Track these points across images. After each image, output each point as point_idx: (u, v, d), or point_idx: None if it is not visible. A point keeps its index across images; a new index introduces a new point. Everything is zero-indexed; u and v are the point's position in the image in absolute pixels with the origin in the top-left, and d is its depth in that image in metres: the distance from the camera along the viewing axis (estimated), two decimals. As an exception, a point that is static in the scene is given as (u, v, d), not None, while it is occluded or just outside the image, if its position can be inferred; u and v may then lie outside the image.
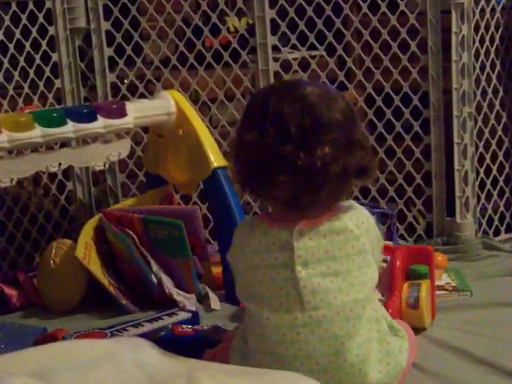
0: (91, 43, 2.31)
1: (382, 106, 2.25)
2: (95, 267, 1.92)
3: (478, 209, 2.29)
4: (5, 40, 2.21)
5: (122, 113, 1.96)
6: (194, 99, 2.31)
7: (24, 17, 2.23)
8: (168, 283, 1.91)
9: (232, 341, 1.41)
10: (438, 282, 1.80)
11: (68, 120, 1.87)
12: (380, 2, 2.19)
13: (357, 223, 1.32)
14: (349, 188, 1.34)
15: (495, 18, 2.24)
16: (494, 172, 2.31)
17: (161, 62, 2.33)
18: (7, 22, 2.21)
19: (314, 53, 2.28)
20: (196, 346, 1.52)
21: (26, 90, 2.26)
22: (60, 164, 1.91)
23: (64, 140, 1.97)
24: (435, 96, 2.21)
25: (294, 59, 2.28)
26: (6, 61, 2.22)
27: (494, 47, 2.25)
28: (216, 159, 1.96)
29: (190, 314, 1.80)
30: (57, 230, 2.35)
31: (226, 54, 2.29)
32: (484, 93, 2.25)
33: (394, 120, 2.25)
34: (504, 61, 2.30)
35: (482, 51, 2.22)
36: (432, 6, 2.16)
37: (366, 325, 1.30)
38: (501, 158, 2.32)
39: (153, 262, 1.92)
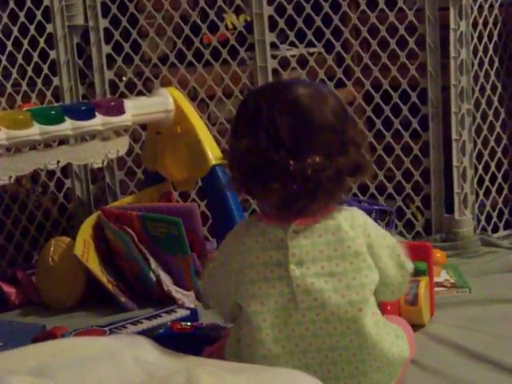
0: (89, 41, 2.31)
1: (381, 102, 2.25)
2: (94, 265, 1.92)
3: (477, 205, 2.28)
4: (3, 37, 2.21)
5: (120, 110, 1.96)
6: (192, 96, 2.31)
7: (22, 14, 2.24)
8: (167, 280, 1.91)
9: (225, 342, 1.41)
10: (436, 279, 1.80)
11: (66, 117, 1.87)
12: (378, -1, 2.20)
13: (352, 224, 1.31)
14: (344, 186, 1.34)
15: (493, 14, 2.24)
16: (493, 168, 2.30)
17: (159, 60, 2.32)
18: (5, 19, 2.21)
19: (312, 50, 2.28)
20: (195, 343, 1.52)
21: (24, 87, 2.26)
22: (58, 161, 1.91)
23: (62, 137, 1.97)
24: (433, 93, 2.21)
25: (292, 56, 2.28)
26: (3, 58, 2.22)
27: (493, 44, 2.25)
28: (214, 156, 1.96)
29: (188, 312, 1.79)
30: (55, 227, 2.35)
31: (224, 51, 2.29)
32: (482, 89, 2.25)
33: (392, 117, 2.25)
34: (502, 57, 2.29)
35: (481, 48, 2.22)
36: (430, 2, 2.16)
37: (363, 326, 1.30)
38: (499, 154, 2.31)
39: (151, 260, 1.92)
